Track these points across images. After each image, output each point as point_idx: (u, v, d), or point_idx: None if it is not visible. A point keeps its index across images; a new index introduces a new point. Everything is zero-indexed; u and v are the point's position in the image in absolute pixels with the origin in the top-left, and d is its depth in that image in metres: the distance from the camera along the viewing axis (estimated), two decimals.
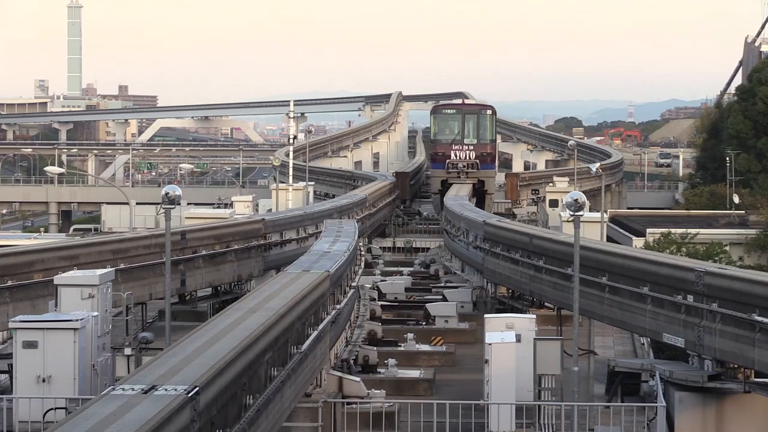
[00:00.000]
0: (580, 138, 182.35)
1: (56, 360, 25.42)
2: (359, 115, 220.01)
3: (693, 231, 69.92)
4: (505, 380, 28.05)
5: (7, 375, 28.24)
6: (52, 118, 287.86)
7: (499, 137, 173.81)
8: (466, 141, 75.72)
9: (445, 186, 74.00)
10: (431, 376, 34.55)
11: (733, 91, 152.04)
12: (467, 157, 75.16)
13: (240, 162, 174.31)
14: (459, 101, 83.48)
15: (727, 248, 68.98)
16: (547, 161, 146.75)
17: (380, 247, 66.11)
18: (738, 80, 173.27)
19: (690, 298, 29.43)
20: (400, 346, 38.27)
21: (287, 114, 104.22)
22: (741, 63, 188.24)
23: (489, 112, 78.34)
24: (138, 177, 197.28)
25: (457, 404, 27.59)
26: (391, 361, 34.68)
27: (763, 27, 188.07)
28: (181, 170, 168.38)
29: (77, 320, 25.85)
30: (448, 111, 79.51)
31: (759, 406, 28.54)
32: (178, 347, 19.50)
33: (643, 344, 38.66)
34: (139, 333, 33.42)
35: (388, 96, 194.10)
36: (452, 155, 75.15)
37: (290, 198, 77.15)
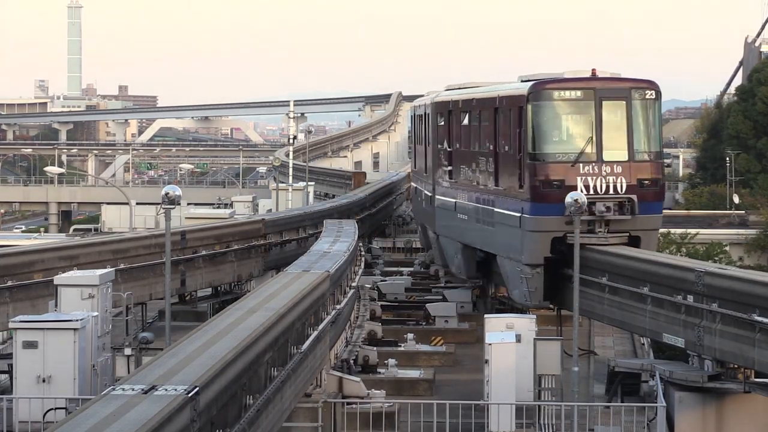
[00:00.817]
0: None
1: (56, 360, 25.43)
2: (359, 115, 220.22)
3: (693, 231, 70.00)
4: (505, 380, 28.06)
5: (7, 375, 28.25)
6: (52, 118, 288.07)
7: None
8: (609, 156, 35.81)
9: (558, 249, 35.57)
10: (431, 376, 34.55)
11: (733, 91, 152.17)
12: (612, 189, 35.64)
13: (240, 162, 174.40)
14: (586, 73, 36.97)
15: (727, 248, 69.07)
16: None
17: (380, 247, 66.05)
18: (738, 80, 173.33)
19: (690, 298, 29.42)
20: (400, 346, 38.27)
21: (287, 114, 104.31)
22: (741, 63, 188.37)
23: (650, 94, 36.40)
24: (152, 173, 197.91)
25: (457, 404, 27.59)
26: (391, 361, 34.68)
27: (763, 27, 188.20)
28: (181, 170, 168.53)
29: (77, 320, 25.86)
30: (568, 93, 36.22)
31: (759, 406, 28.54)
32: (178, 347, 19.50)
33: (643, 344, 38.65)
34: (139, 333, 33.44)
35: (388, 96, 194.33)
36: (580, 184, 35.27)
37: (290, 198, 77.17)
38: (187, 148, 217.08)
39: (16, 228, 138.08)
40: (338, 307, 31.57)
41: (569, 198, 28.76)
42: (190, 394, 16.18)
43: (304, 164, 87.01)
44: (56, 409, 24.70)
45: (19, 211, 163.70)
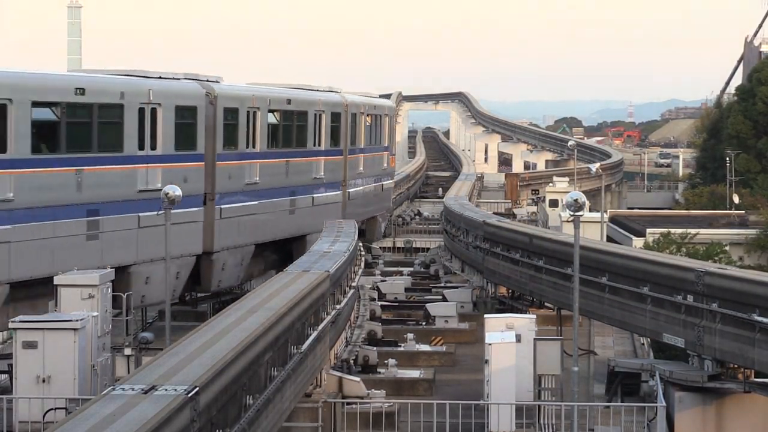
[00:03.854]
0: (580, 138, 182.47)
1: (56, 360, 25.42)
2: None
3: (693, 231, 69.99)
4: (505, 380, 28.05)
5: (7, 375, 28.24)
6: None
7: (498, 137, 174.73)
8: None
9: None
10: (431, 376, 34.54)
11: (732, 91, 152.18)
12: None
13: None
14: None
15: (727, 248, 69.01)
16: (547, 161, 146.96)
17: (380, 247, 66.07)
18: (736, 79, 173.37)
19: (690, 298, 29.44)
20: (400, 346, 38.26)
21: None
22: (739, 61, 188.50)
23: None
24: None
25: (457, 404, 27.58)
26: (391, 361, 34.68)
27: (760, 26, 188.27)
28: None
29: (77, 320, 25.87)
30: None
31: (759, 406, 28.55)
32: (178, 347, 19.49)
33: (643, 344, 38.66)
34: (139, 333, 33.43)
35: (388, 96, 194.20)
36: None
37: None
38: None
39: None
40: (338, 307, 31.57)
41: (569, 197, 28.71)
42: (190, 394, 16.18)
43: None
44: (56, 409, 24.70)
45: None
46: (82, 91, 33.06)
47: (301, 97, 46.30)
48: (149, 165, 36.12)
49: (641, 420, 27.39)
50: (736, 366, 28.29)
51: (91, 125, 33.71)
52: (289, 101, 44.78)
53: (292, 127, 45.16)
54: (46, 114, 32.18)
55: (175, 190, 29.51)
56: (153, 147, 36.33)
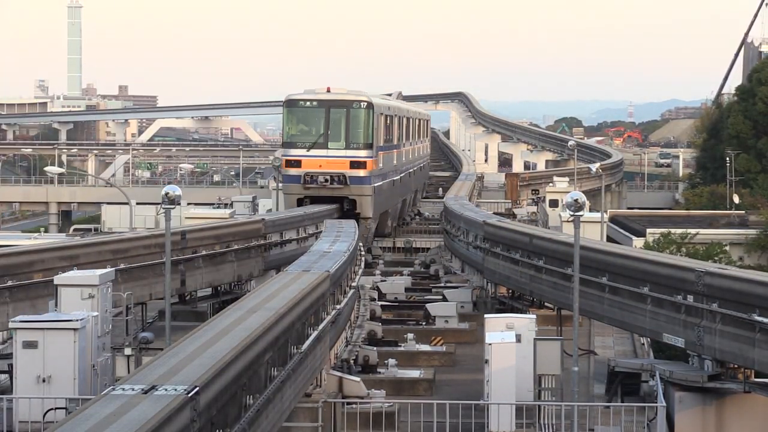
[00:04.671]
0: (580, 138, 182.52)
1: (56, 360, 25.42)
2: None
3: (693, 231, 70.01)
4: (505, 380, 28.05)
5: (7, 375, 28.24)
6: (52, 118, 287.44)
7: (498, 137, 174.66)
8: None
9: None
10: (431, 376, 34.54)
11: (729, 90, 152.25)
12: None
13: (240, 162, 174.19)
14: None
15: (727, 248, 69.03)
16: (547, 161, 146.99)
17: (380, 247, 66.06)
18: (735, 78, 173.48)
19: (690, 298, 29.43)
20: (400, 346, 38.25)
21: None
22: (734, 60, 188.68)
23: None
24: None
25: (457, 404, 27.59)
26: (391, 361, 34.67)
27: (753, 20, 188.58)
28: (181, 170, 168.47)
29: (77, 320, 25.86)
30: None
31: (759, 406, 28.55)
32: (178, 347, 19.50)
33: (643, 344, 38.66)
34: (139, 333, 33.44)
35: (388, 96, 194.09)
36: None
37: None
38: (187, 148, 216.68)
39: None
40: (338, 307, 31.57)
41: (569, 197, 28.77)
42: (190, 394, 16.18)
43: None
44: (56, 409, 24.70)
45: (19, 210, 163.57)
46: (389, 108, 62.06)
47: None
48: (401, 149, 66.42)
49: (641, 420, 27.40)
50: (736, 366, 28.28)
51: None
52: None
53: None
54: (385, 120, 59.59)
55: (174, 190, 29.50)
56: (407, 139, 68.74)
